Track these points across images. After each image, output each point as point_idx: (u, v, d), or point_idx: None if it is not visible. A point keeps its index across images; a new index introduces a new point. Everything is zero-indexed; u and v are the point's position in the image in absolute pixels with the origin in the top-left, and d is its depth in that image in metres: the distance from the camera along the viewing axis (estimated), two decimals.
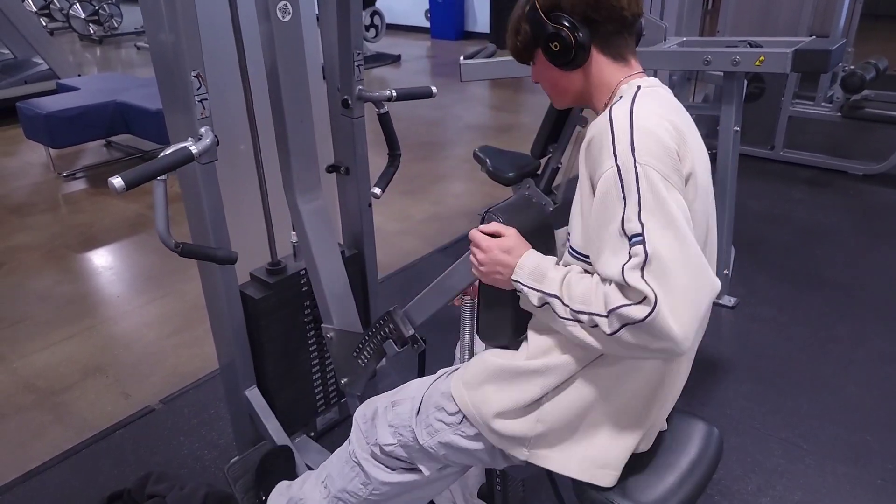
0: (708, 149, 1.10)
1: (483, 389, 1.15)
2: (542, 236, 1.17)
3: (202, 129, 1.35)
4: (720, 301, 2.83)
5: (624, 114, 0.97)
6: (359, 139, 1.84)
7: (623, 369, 1.07)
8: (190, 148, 1.28)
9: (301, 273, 1.84)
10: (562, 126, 3.01)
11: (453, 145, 5.02)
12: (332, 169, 1.88)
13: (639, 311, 0.86)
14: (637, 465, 1.11)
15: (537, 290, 1.03)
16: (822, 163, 4.29)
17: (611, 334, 0.90)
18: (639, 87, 1.05)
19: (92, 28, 9.45)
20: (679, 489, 1.08)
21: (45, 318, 2.83)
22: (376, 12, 8.02)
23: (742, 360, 2.46)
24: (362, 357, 1.53)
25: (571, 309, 0.96)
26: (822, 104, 4.47)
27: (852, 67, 4.00)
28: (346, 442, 1.42)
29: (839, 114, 4.17)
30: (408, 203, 3.79)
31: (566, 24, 1.05)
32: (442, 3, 9.30)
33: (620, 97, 1.04)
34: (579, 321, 0.95)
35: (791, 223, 3.51)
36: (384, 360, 1.67)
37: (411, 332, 1.42)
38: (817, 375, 2.36)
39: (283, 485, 1.60)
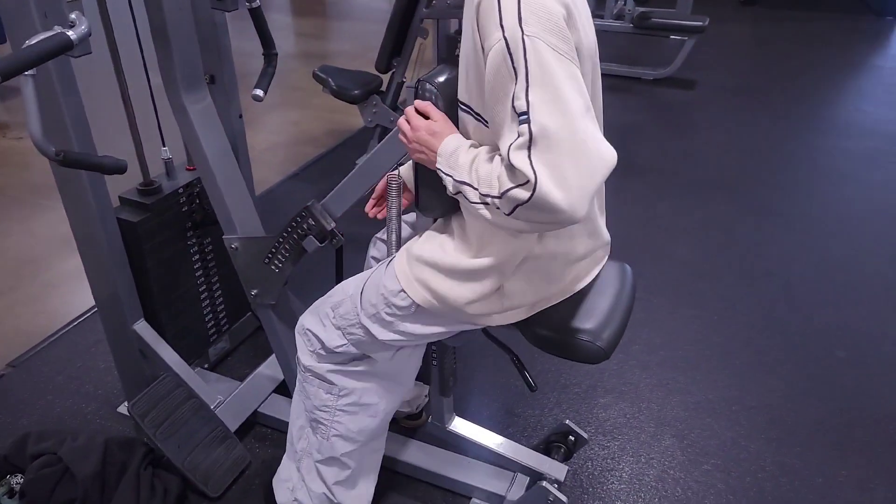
0: None
1: (443, 285, 1.17)
2: None
3: (73, 15, 1.17)
4: None
5: None
6: (224, 41, 1.72)
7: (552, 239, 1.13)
8: (68, 34, 1.12)
9: (179, 192, 1.71)
10: (404, 39, 3.02)
11: (278, 74, 4.76)
12: None
13: (523, 193, 0.88)
14: (574, 302, 1.23)
15: (451, 177, 1.03)
16: (619, 71, 4.77)
17: (508, 214, 0.93)
18: None
19: None
20: (613, 316, 1.23)
21: None
22: None
23: None
24: (276, 261, 1.48)
25: (480, 192, 0.97)
26: (610, 20, 4.93)
27: None
28: (297, 363, 1.38)
29: (631, 25, 4.64)
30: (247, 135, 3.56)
31: None
32: None
33: None
34: (486, 203, 0.97)
35: (604, 124, 3.89)
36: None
37: (332, 225, 1.40)
38: (652, 244, 2.71)
39: (274, 479, 1.53)
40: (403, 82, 3.15)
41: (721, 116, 4.05)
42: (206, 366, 1.99)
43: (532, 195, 0.87)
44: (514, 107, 0.89)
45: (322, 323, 1.33)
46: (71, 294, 2.35)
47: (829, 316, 2.27)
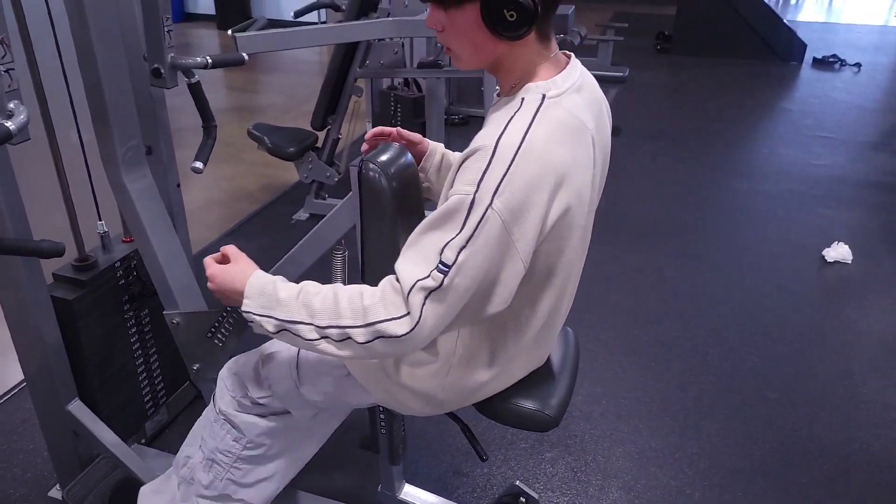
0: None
1: (370, 362, 1.18)
2: (413, 186, 1.25)
3: (11, 104, 1.15)
4: None
5: (510, 146, 0.91)
6: (162, 114, 1.71)
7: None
8: (6, 125, 1.10)
9: (116, 265, 1.67)
10: (339, 97, 3.07)
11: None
12: None
13: (399, 328, 0.91)
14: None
15: (271, 318, 0.99)
16: None
17: (363, 343, 0.94)
18: (543, 98, 0.97)
19: None
20: (559, 383, 1.27)
21: None
22: None
23: None
24: (219, 335, 1.47)
25: (317, 326, 0.96)
26: None
27: (563, 35, 4.65)
28: (212, 399, 1.37)
29: None
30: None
31: None
32: None
33: (522, 100, 0.97)
34: (327, 336, 0.96)
35: None
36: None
37: None
38: (586, 291, 2.73)
39: (152, 484, 1.47)
40: (339, 139, 3.20)
41: (645, 162, 4.25)
42: (143, 441, 1.92)
43: (407, 333, 0.91)
44: (442, 251, 0.91)
45: (252, 370, 1.31)
46: None
47: (757, 357, 2.39)
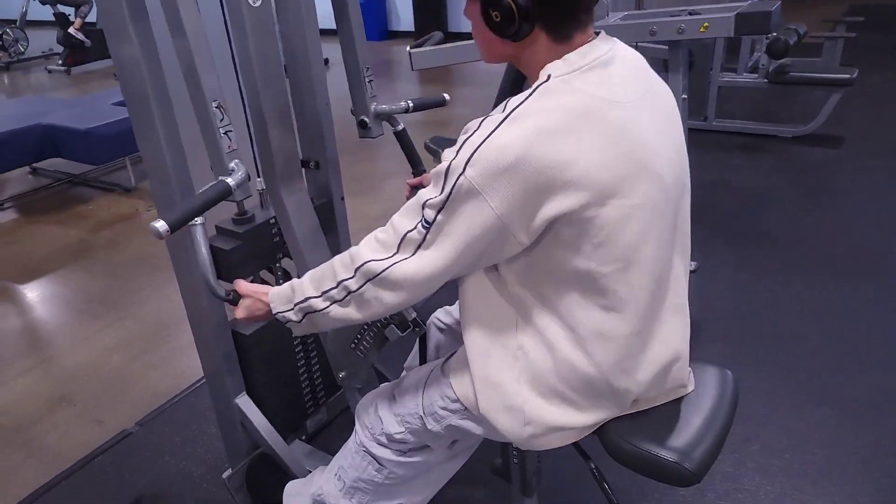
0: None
1: (475, 387, 1.14)
2: None
3: (232, 164, 1.25)
4: None
5: (492, 122, 0.93)
6: (329, 132, 1.81)
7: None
8: (227, 181, 1.21)
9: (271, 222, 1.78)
10: None
11: (395, 143, 4.98)
12: (301, 164, 1.84)
13: (380, 265, 1.00)
14: (665, 413, 1.13)
15: (294, 306, 1.13)
16: (753, 129, 4.49)
17: (357, 291, 1.03)
18: (548, 78, 0.95)
19: None
20: (707, 432, 1.11)
21: None
22: None
23: (709, 322, 2.54)
24: (361, 347, 1.50)
25: (323, 293, 1.08)
26: (745, 73, 4.69)
27: (775, 34, 4.18)
28: (353, 433, 1.40)
29: (766, 80, 4.37)
30: (359, 203, 3.70)
31: None
32: (363, 3, 9.25)
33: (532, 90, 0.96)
34: (333, 299, 1.07)
35: (734, 188, 3.66)
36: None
37: (413, 315, 1.40)
38: (781, 327, 2.46)
39: (295, 484, 1.55)
40: None
41: (871, 181, 3.66)
42: (304, 437, 2.04)
43: (386, 270, 1.00)
44: (424, 206, 0.97)
45: (386, 407, 1.33)
46: (195, 359, 2.51)
47: None
